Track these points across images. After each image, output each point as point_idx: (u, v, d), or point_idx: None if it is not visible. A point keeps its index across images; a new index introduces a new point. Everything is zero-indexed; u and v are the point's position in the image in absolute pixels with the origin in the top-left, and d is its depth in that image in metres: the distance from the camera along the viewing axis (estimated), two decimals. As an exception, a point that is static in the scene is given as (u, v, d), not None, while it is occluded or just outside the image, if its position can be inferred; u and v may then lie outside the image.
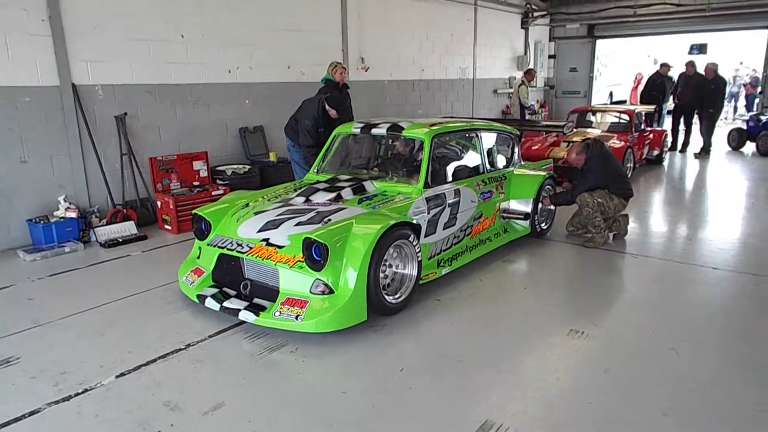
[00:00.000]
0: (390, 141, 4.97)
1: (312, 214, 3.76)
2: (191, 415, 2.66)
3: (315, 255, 3.31)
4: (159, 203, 5.99)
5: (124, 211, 5.81)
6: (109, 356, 3.21)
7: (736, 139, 10.82)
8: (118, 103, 5.92)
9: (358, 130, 4.77)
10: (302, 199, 4.09)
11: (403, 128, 4.54)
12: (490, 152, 5.12)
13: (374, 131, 4.68)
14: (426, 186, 4.19)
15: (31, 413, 2.69)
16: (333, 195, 4.08)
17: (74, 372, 3.05)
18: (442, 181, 4.43)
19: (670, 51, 16.42)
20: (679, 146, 10.74)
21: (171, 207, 5.80)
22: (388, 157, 5.05)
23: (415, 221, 3.79)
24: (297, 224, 3.64)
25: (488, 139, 5.13)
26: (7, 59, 5.07)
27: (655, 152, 9.35)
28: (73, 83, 5.52)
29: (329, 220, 3.62)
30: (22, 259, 4.98)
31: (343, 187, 4.18)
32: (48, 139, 5.44)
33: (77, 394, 2.84)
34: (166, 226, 5.92)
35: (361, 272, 3.32)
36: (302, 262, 3.35)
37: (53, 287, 4.39)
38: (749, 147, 10.65)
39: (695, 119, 10.62)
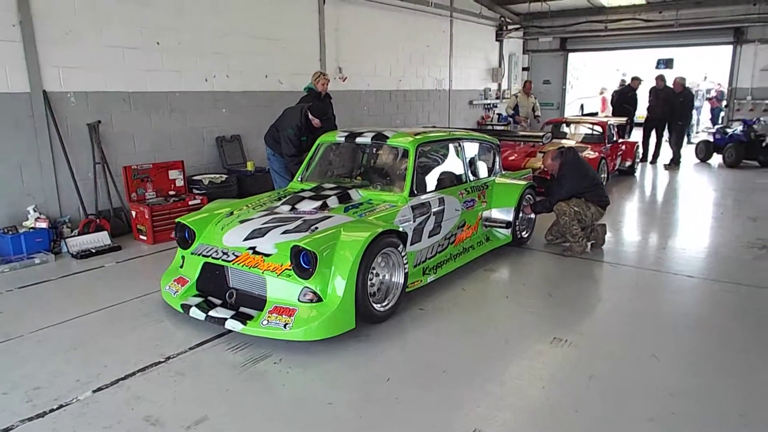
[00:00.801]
0: (374, 150, 4.96)
1: (299, 222, 3.72)
2: (173, 429, 2.58)
3: (303, 263, 3.27)
4: (134, 213, 5.84)
5: (97, 221, 5.64)
6: (85, 370, 3.09)
7: (704, 151, 11.17)
8: (91, 111, 5.78)
9: (343, 139, 4.75)
10: (288, 207, 4.04)
11: (387, 137, 4.55)
12: (472, 161, 5.17)
13: (359, 140, 4.67)
14: (411, 194, 4.20)
15: (4, 431, 2.57)
16: (318, 203, 4.05)
17: (48, 387, 2.93)
18: (426, 190, 4.44)
19: (638, 65, 16.87)
20: (650, 158, 11.02)
21: (146, 217, 5.66)
22: (372, 165, 5.04)
23: (401, 229, 3.78)
24: (284, 232, 3.60)
25: (471, 149, 5.18)
26: (-24, 64, 4.91)
27: (628, 163, 9.58)
28: (45, 90, 5.36)
29: (316, 228, 3.58)
30: (-11, 271, 4.79)
31: (329, 196, 4.15)
32: (17, 147, 5.26)
33: (52, 410, 2.72)
34: (141, 237, 5.77)
35: (349, 280, 3.29)
36: (290, 270, 3.31)
37: (24, 300, 4.22)
38: (716, 159, 11.00)
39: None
